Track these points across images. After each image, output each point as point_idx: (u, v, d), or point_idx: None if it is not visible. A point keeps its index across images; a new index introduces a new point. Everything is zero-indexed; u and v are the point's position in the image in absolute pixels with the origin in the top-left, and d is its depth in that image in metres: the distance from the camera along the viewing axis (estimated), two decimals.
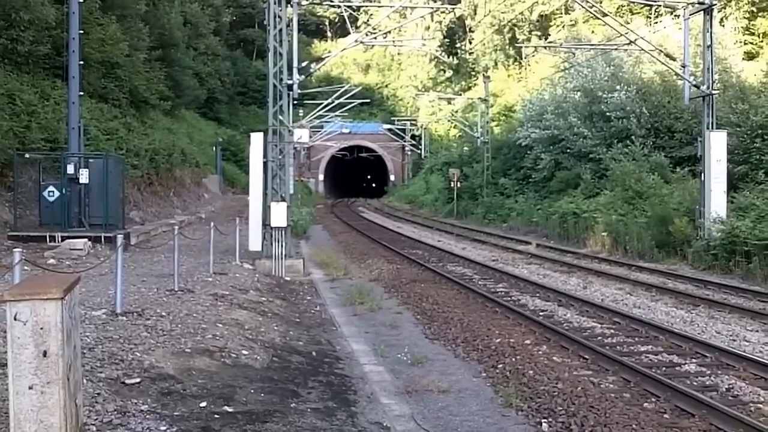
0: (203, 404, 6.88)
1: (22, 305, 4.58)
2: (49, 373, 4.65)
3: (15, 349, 4.61)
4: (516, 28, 72.36)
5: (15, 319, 4.58)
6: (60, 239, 18.31)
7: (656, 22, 40.06)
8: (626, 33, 24.30)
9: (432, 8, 56.35)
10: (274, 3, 18.83)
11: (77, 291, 5.24)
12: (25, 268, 9.30)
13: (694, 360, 10.05)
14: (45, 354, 4.64)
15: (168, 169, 34.69)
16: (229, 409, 6.85)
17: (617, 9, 47.58)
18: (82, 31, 21.05)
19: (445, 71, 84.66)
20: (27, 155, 21.20)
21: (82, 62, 20.97)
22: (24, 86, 24.36)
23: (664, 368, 9.62)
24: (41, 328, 4.62)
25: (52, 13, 24.83)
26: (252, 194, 19.18)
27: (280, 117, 18.97)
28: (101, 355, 7.75)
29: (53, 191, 20.17)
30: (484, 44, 75.80)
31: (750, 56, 43.48)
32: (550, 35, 63.92)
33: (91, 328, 8.93)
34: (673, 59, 23.22)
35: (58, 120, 23.61)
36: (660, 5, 26.14)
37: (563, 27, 61.02)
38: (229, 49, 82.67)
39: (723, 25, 38.81)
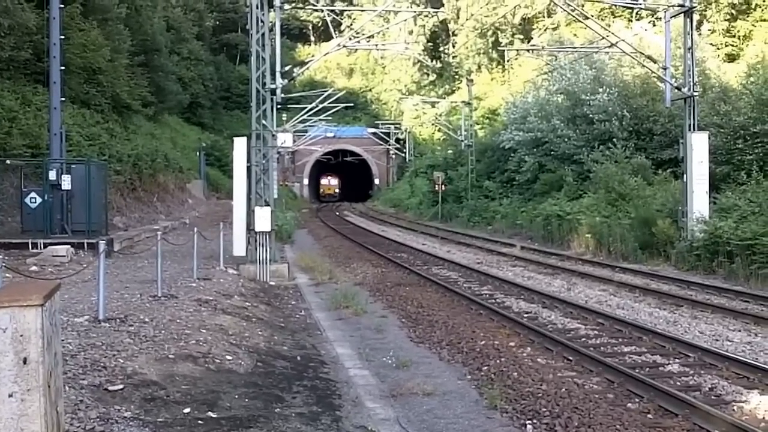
0: (187, 410, 6.84)
1: (2, 312, 4.54)
2: (30, 381, 4.61)
3: None
4: (499, 32, 72.55)
5: None
6: (42, 246, 18.18)
7: (635, 26, 40.26)
8: (608, 36, 24.43)
9: (415, 12, 56.58)
10: (257, 7, 18.80)
11: (58, 298, 5.20)
12: (7, 275, 9.24)
13: (677, 360, 10.10)
14: (25, 361, 4.59)
15: (151, 174, 34.56)
16: (213, 415, 6.82)
17: (599, 12, 47.85)
18: (63, 37, 20.96)
19: (428, 75, 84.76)
20: (8, 161, 21.09)
21: (63, 68, 20.88)
22: (5, 92, 24.23)
23: (647, 368, 9.67)
24: (21, 335, 4.58)
25: (32, 19, 24.71)
26: (236, 199, 19.13)
27: (264, 121, 18.93)
28: (84, 362, 7.70)
29: (35, 198, 20.04)
30: (467, 48, 75.98)
31: (731, 58, 43.85)
32: (532, 38, 64.12)
33: (73, 335, 8.87)
34: (654, 61, 23.36)
35: (39, 126, 23.49)
36: (641, 8, 26.30)
37: (546, 30, 61.24)
38: (212, 54, 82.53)
39: (700, 30, 39.16)
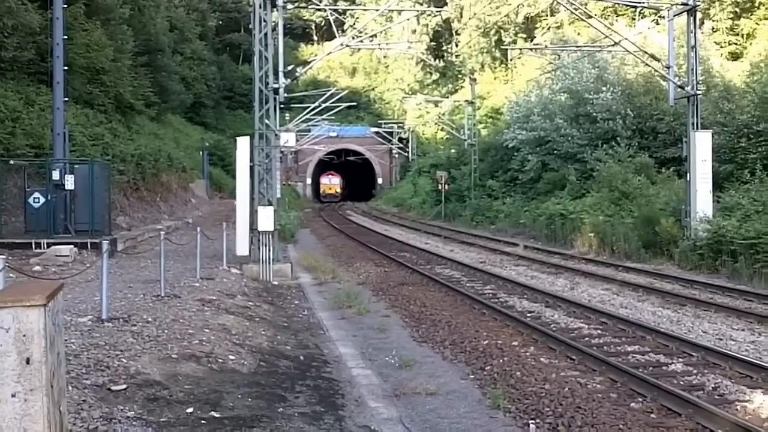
0: (190, 410, 6.85)
1: (5, 312, 4.54)
2: (33, 381, 4.61)
3: None
4: (502, 31, 72.57)
5: None
6: (46, 246, 18.21)
7: (639, 25, 40.26)
8: (611, 35, 24.42)
9: (418, 11, 56.58)
10: (260, 7, 18.81)
11: (61, 297, 5.20)
12: (10, 275, 9.25)
13: (680, 359, 10.08)
14: (28, 361, 4.59)
15: (154, 174, 34.59)
16: (216, 415, 6.82)
17: (602, 11, 47.82)
18: (66, 37, 20.99)
19: (431, 74, 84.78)
20: (12, 161, 21.11)
21: (66, 68, 20.90)
22: (8, 92, 24.25)
23: (650, 368, 9.65)
24: (24, 335, 4.58)
25: (36, 19, 24.75)
26: (239, 199, 19.14)
27: (267, 121, 18.94)
28: (87, 362, 7.71)
29: (39, 198, 20.06)
30: (470, 47, 75.98)
31: (734, 56, 43.80)
32: (535, 37, 64.19)
33: (76, 335, 8.88)
34: (657, 60, 23.34)
35: (43, 126, 23.51)
36: (644, 6, 26.27)
37: (548, 29, 61.27)
38: (215, 54, 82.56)
39: (702, 28, 39.12)
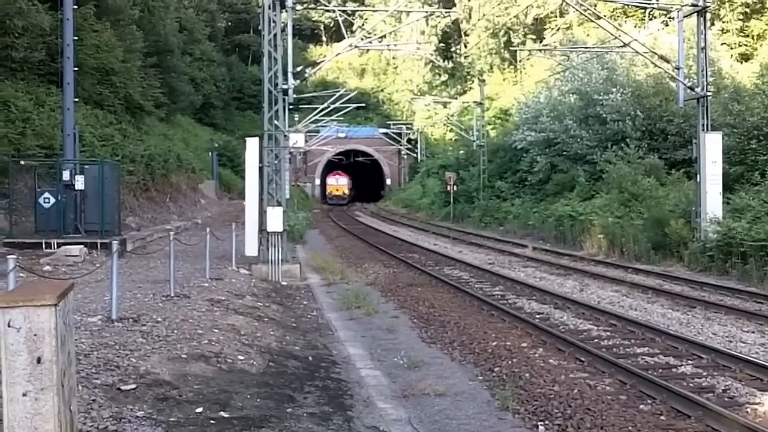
0: (199, 410, 6.86)
1: (16, 312, 4.57)
2: (43, 380, 4.63)
3: (8, 356, 4.60)
4: (511, 32, 72.39)
5: (8, 326, 4.57)
6: (56, 246, 18.29)
7: (649, 26, 40.13)
8: (620, 36, 24.35)
9: (427, 12, 56.50)
10: (269, 8, 18.85)
11: (71, 297, 5.22)
12: (21, 275, 9.29)
13: (690, 361, 10.04)
14: (39, 361, 4.62)
15: (164, 174, 34.68)
16: (225, 415, 6.83)
17: (611, 12, 47.66)
18: (76, 38, 21.07)
19: (440, 75, 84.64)
20: (22, 162, 21.20)
21: (76, 68, 20.98)
22: (19, 93, 24.38)
23: (660, 370, 9.62)
24: (35, 335, 4.60)
25: (46, 20, 24.87)
26: (248, 199, 19.18)
27: (276, 122, 18.97)
28: (97, 362, 7.74)
29: (49, 198, 20.14)
30: (479, 48, 75.84)
31: (745, 58, 43.59)
32: (544, 38, 64.01)
33: (86, 335, 8.91)
34: (667, 61, 23.26)
35: (53, 126, 23.62)
36: (654, 7, 26.22)
37: (558, 30, 61.11)
38: (224, 55, 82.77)
39: (712, 30, 39.01)
